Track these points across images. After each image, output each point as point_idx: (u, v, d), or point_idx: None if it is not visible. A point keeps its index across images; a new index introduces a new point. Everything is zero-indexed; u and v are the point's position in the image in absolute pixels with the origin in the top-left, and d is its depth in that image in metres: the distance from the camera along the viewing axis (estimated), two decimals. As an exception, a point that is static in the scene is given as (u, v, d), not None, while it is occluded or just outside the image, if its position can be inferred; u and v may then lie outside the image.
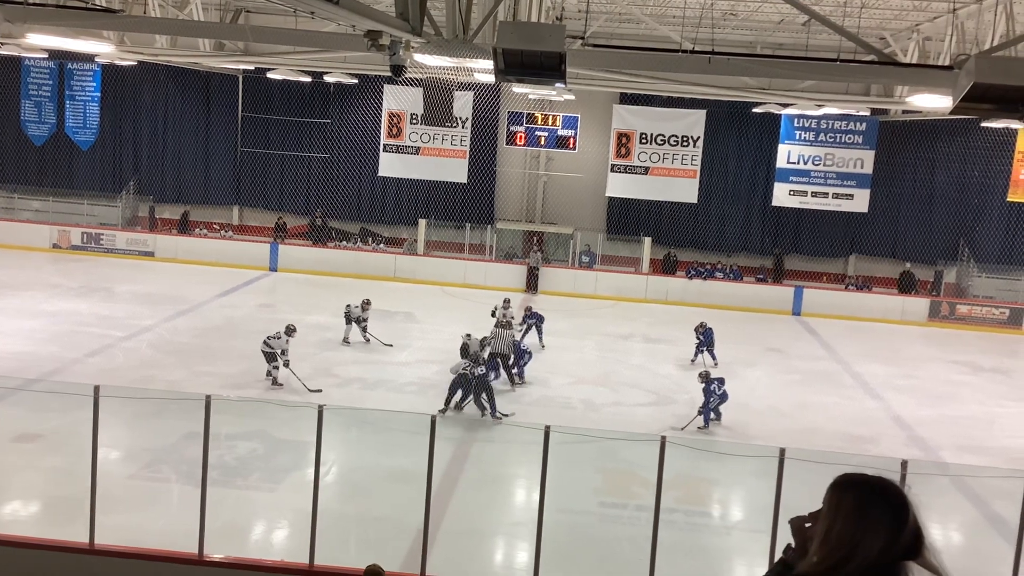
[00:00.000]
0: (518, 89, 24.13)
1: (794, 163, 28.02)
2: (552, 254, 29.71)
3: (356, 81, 27.08)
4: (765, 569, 2.60)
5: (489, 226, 29.59)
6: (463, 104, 28.14)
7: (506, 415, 15.87)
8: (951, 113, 8.36)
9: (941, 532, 11.84)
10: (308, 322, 21.29)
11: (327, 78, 26.21)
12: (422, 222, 29.59)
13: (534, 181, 30.88)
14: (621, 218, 30.04)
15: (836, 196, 28.00)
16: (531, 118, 28.16)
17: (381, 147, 28.77)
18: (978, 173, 28.72)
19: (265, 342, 16.69)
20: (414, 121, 28.38)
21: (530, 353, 18.56)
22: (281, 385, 16.42)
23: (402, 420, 13.14)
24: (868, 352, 23.09)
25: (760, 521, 9.57)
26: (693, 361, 19.95)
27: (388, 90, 28.23)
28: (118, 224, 30.37)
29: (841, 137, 27.79)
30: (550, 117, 28.20)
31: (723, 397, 16.01)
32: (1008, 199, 27.69)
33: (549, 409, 16.41)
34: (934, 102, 15.23)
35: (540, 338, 20.84)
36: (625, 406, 17.33)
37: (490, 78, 16.00)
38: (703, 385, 16.03)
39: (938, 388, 20.34)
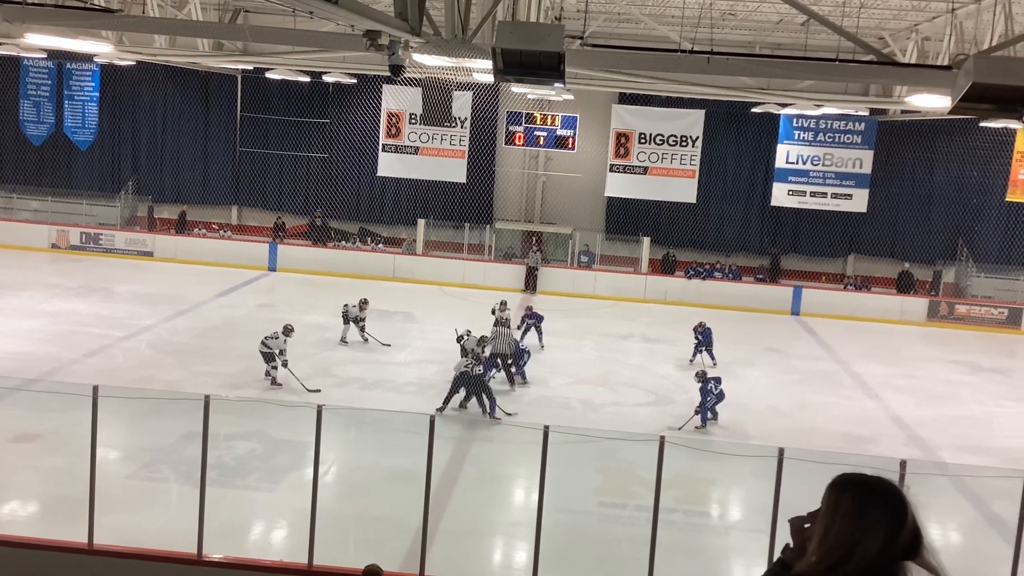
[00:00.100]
0: (517, 89, 24.13)
1: (793, 163, 28.04)
2: (551, 254, 29.71)
3: (355, 81, 27.09)
4: (764, 569, 2.60)
5: (488, 226, 29.59)
6: (462, 104, 28.15)
7: (509, 414, 15.89)
8: (950, 113, 8.37)
9: (940, 532, 11.84)
10: (307, 322, 21.28)
11: (326, 78, 26.21)
12: (421, 222, 29.59)
13: (533, 181, 30.89)
14: (620, 218, 30.05)
15: (835, 196, 28.02)
16: (530, 118, 28.17)
17: (380, 147, 28.78)
18: (977, 173, 28.74)
19: (263, 343, 16.67)
20: (413, 121, 28.38)
21: (529, 353, 18.56)
22: (280, 385, 16.41)
23: (401, 420, 13.16)
24: (867, 352, 23.10)
25: (759, 521, 9.57)
26: (691, 361, 19.95)
27: (387, 90, 28.23)
28: (117, 224, 30.36)
29: (840, 137, 27.80)
30: (549, 117, 28.21)
31: (720, 397, 16.02)
32: (1007, 199, 27.72)
33: (548, 409, 16.41)
34: (933, 102, 15.24)
35: (540, 339, 20.84)
36: (624, 406, 17.33)
37: (489, 78, 16.01)
38: (700, 385, 16.04)
39: (937, 388, 20.34)
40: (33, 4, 11.28)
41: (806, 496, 2.81)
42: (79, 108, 30.43)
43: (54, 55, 27.23)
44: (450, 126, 28.26)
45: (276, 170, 31.14)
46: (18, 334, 18.89)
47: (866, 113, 26.51)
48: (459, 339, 17.14)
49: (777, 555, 2.52)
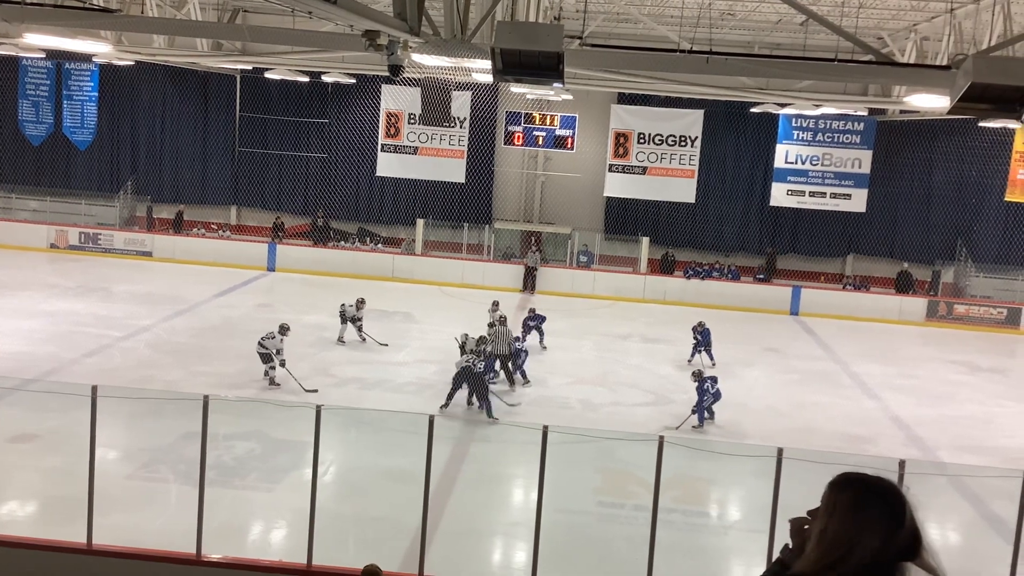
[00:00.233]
0: (516, 89, 24.14)
1: (792, 163, 28.04)
2: (550, 254, 29.71)
3: (354, 81, 27.08)
4: (763, 569, 2.60)
5: (487, 226, 29.59)
6: (461, 104, 28.12)
7: (513, 405, 16.11)
8: (949, 113, 8.37)
9: (939, 532, 11.85)
10: (306, 322, 21.28)
11: (325, 78, 26.20)
12: (420, 222, 29.59)
13: (532, 181, 30.89)
14: (619, 218, 30.06)
15: (834, 196, 28.02)
16: (529, 118, 28.16)
17: (379, 147, 28.77)
18: (976, 173, 28.76)
19: (260, 343, 16.66)
20: (412, 121, 28.37)
21: (526, 352, 18.55)
22: (278, 385, 16.40)
23: (400, 420, 13.16)
24: (866, 352, 23.11)
25: (758, 521, 9.57)
26: (690, 361, 19.94)
27: (386, 90, 28.22)
28: (116, 224, 30.36)
29: (839, 137, 27.81)
30: (548, 117, 28.20)
31: (717, 396, 16.05)
32: (1006, 199, 27.71)
33: (547, 409, 16.41)
34: (932, 102, 15.24)
35: (541, 339, 20.82)
36: (623, 406, 17.34)
37: (488, 78, 16.00)
38: (697, 384, 16.06)
39: (936, 388, 20.35)
40: (32, 4, 11.26)
41: (805, 496, 2.81)
42: (78, 108, 30.41)
43: (53, 55, 27.24)
44: (449, 126, 28.24)
45: (275, 170, 31.14)
46: (17, 334, 18.88)
47: (865, 113, 26.52)
48: (461, 346, 17.18)
49: (776, 555, 2.52)
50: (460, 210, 29.82)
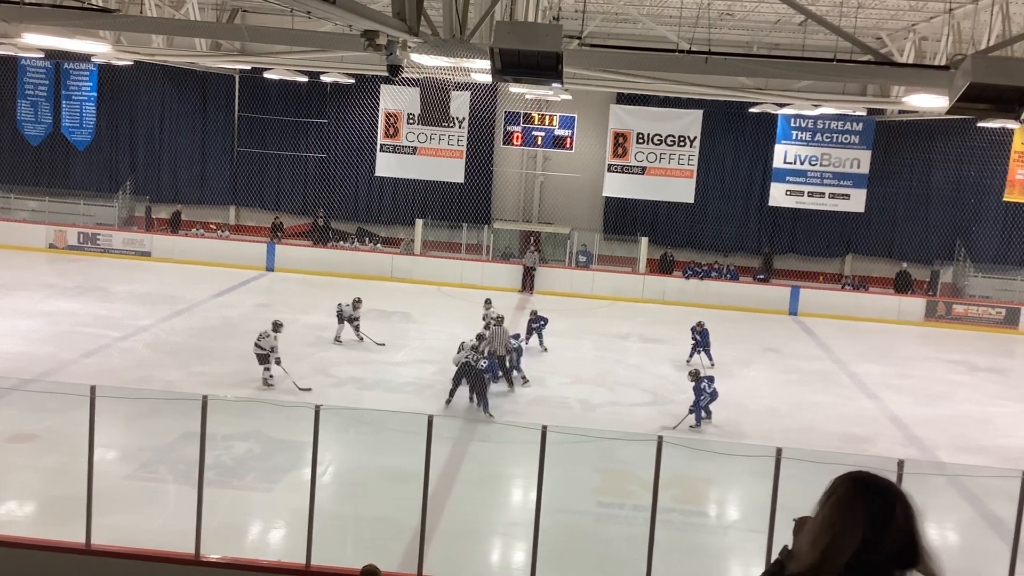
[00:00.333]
0: (515, 89, 24.13)
1: (790, 163, 28.06)
2: (549, 254, 29.71)
3: (353, 81, 27.07)
4: (761, 569, 2.60)
5: (486, 226, 29.59)
6: (460, 104, 28.14)
7: (526, 379, 17.29)
8: (947, 113, 8.37)
9: (938, 531, 11.85)
10: (305, 322, 21.31)
11: (324, 78, 26.18)
12: (419, 222, 29.59)
13: (531, 181, 30.89)
14: (618, 218, 30.06)
15: (832, 196, 28.05)
16: (528, 118, 28.16)
17: (378, 147, 28.77)
18: (974, 173, 28.78)
19: (256, 344, 16.64)
20: (411, 121, 28.38)
21: (520, 349, 18.54)
22: (272, 386, 16.37)
23: (399, 420, 13.14)
24: (864, 352, 23.12)
25: (757, 521, 9.58)
26: (689, 361, 19.94)
27: (385, 90, 28.22)
28: (114, 224, 30.33)
29: (837, 137, 27.83)
30: (547, 117, 28.21)
31: (714, 395, 16.07)
32: (1004, 199, 27.74)
33: (546, 409, 16.41)
34: (930, 102, 15.24)
35: (541, 341, 20.80)
36: (622, 406, 17.34)
37: (487, 78, 16.00)
38: (694, 384, 16.07)
39: (934, 388, 20.36)
40: (30, 4, 11.26)
41: (804, 496, 2.81)
42: (77, 108, 30.40)
43: (52, 55, 27.23)
44: (448, 126, 28.26)
45: (274, 170, 31.12)
46: (15, 334, 18.87)
47: (864, 113, 26.53)
48: (461, 345, 17.19)
49: (775, 555, 2.51)
50: (459, 210, 29.82)
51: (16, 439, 13.25)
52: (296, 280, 27.39)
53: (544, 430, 8.96)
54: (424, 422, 9.11)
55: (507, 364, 17.60)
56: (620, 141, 27.97)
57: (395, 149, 28.61)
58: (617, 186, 28.33)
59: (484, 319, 19.32)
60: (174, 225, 30.23)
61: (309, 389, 16.29)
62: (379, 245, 30.18)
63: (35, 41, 16.25)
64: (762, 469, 9.34)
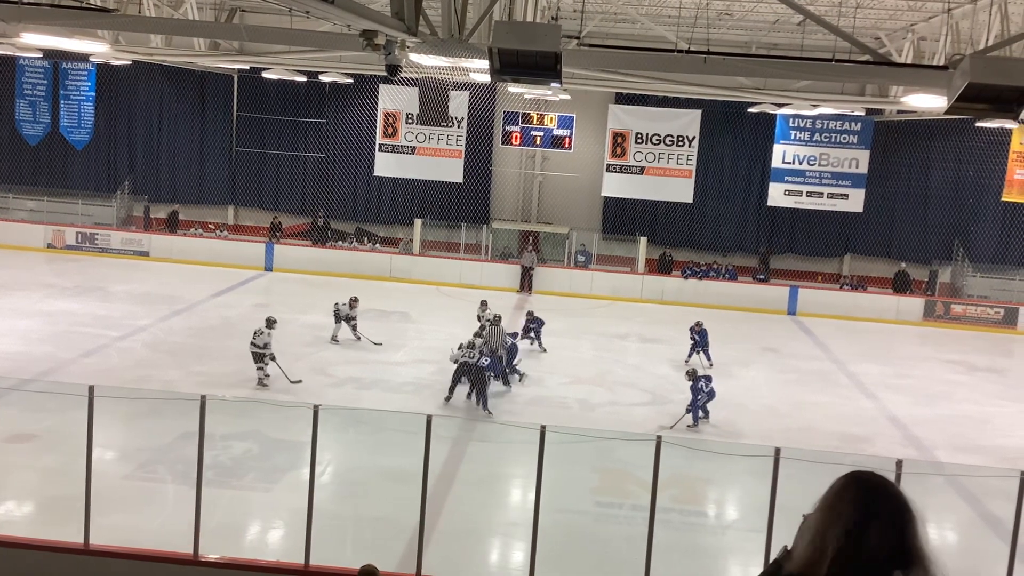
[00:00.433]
0: (514, 89, 24.13)
1: (789, 163, 28.07)
2: (548, 254, 29.71)
3: (351, 81, 27.07)
4: (760, 568, 2.60)
5: (485, 226, 29.59)
6: (459, 104, 28.14)
7: (523, 375, 17.51)
8: (946, 113, 8.37)
9: (936, 531, 11.86)
10: (303, 322, 21.31)
11: (322, 78, 26.18)
12: (418, 222, 29.58)
13: (530, 181, 30.89)
14: (617, 218, 30.07)
15: (831, 196, 28.06)
16: (527, 118, 28.16)
17: (377, 147, 28.77)
18: (973, 173, 28.78)
19: (252, 343, 16.66)
20: (410, 121, 28.37)
21: (516, 347, 18.54)
22: (267, 386, 16.37)
23: (398, 420, 13.15)
24: (863, 352, 23.13)
25: (756, 520, 9.58)
26: (687, 361, 19.94)
27: (383, 90, 28.22)
28: (113, 224, 30.31)
29: (836, 137, 27.84)
30: (546, 117, 28.21)
31: (711, 395, 16.08)
32: (1003, 199, 27.75)
33: (545, 408, 16.42)
34: (929, 102, 15.25)
35: (540, 342, 20.77)
36: (621, 406, 17.34)
37: (486, 78, 16.00)
38: (691, 383, 16.09)
39: (933, 387, 20.37)
40: (29, 3, 11.25)
41: (802, 495, 2.81)
42: (75, 108, 30.38)
43: (50, 55, 27.20)
44: (447, 126, 28.25)
45: (272, 170, 31.10)
46: (14, 334, 18.86)
47: (862, 113, 26.55)
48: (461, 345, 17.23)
49: (774, 555, 2.51)
50: (458, 210, 29.81)
51: (15, 439, 13.24)
52: (295, 280, 27.38)
53: (543, 430, 8.96)
54: (423, 422, 9.11)
55: (502, 362, 17.61)
56: (619, 141, 27.98)
57: (394, 149, 28.61)
58: (616, 186, 28.33)
59: (479, 320, 19.34)
60: (172, 225, 30.21)
61: (299, 381, 16.47)
62: (378, 245, 30.16)
63: (33, 41, 16.23)
64: (761, 469, 9.34)
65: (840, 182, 27.94)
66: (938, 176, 29.09)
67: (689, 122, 27.70)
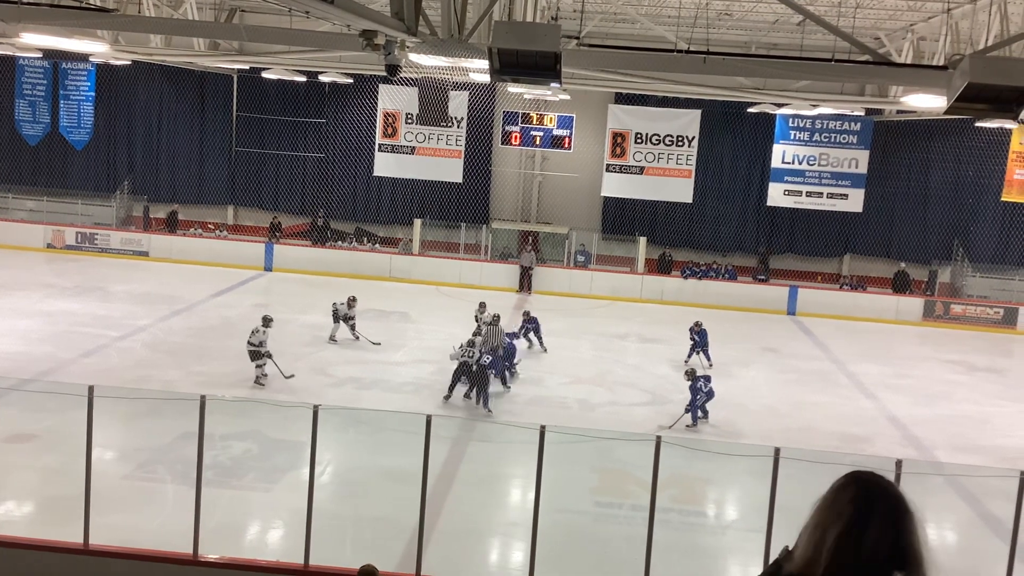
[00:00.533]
0: (513, 89, 24.13)
1: (789, 163, 28.08)
2: (548, 254, 29.71)
3: (351, 81, 27.08)
4: (760, 568, 2.60)
5: (484, 226, 29.59)
6: (458, 104, 28.14)
7: (515, 372, 17.69)
8: (946, 113, 8.38)
9: (936, 531, 11.86)
10: (303, 322, 21.32)
11: (322, 78, 26.18)
12: (417, 222, 29.58)
13: (529, 181, 30.89)
14: (616, 218, 30.07)
15: (831, 196, 28.07)
16: (526, 118, 28.16)
17: (376, 147, 28.77)
18: (972, 173, 28.79)
19: (249, 342, 16.69)
20: (409, 121, 28.38)
21: (514, 347, 18.53)
22: (264, 385, 16.38)
23: (397, 420, 13.14)
24: (863, 352, 23.13)
25: (755, 520, 9.59)
26: (687, 361, 19.93)
27: (383, 90, 28.22)
28: (112, 224, 30.31)
29: (836, 137, 27.84)
30: (545, 117, 28.21)
31: (710, 395, 16.09)
32: (1002, 199, 27.76)
33: (545, 408, 16.42)
34: (929, 102, 15.25)
35: (540, 343, 20.75)
36: (621, 406, 17.34)
37: (485, 78, 16.01)
38: (690, 383, 16.09)
39: (933, 387, 20.38)
40: (29, 3, 11.25)
41: (802, 495, 2.81)
42: (75, 108, 30.38)
43: (50, 55, 27.19)
44: (446, 126, 28.25)
45: (272, 170, 31.10)
46: (14, 334, 18.85)
47: (862, 113, 26.56)
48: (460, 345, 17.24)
49: (774, 555, 2.51)
50: (457, 210, 29.81)
51: (15, 439, 13.24)
52: (294, 280, 27.38)
53: (542, 430, 8.96)
54: (422, 422, 9.11)
55: (502, 362, 17.62)
56: (618, 141, 27.98)
57: (393, 149, 28.61)
58: (615, 186, 28.34)
59: (476, 321, 19.34)
60: (171, 225, 30.20)
61: (292, 376, 16.65)
62: (377, 245, 30.17)
63: (33, 41, 16.22)
64: (760, 469, 9.34)
65: (840, 182, 27.95)
66: (938, 176, 29.09)
67: (689, 122, 27.71)
